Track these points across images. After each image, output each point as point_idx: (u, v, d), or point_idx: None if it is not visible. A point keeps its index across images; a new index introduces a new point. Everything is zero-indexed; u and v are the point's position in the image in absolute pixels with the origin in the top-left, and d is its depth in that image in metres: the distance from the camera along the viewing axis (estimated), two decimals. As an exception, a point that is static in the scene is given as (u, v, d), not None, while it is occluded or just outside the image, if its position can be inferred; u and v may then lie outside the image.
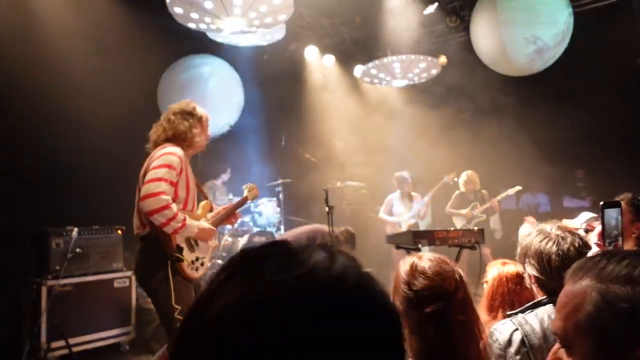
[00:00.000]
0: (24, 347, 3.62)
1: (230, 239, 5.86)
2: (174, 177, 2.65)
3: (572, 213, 1.56)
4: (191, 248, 2.81)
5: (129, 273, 4.34)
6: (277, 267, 0.47)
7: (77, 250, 4.01)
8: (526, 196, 7.72)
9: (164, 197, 2.55)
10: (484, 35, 5.96)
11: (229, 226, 5.68)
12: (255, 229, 6.00)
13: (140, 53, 5.43)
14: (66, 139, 4.75)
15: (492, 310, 1.98)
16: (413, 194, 6.40)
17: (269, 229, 6.12)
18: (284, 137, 6.91)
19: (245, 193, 3.45)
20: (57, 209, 4.47)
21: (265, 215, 6.15)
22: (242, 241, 5.70)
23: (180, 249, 2.73)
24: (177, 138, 2.81)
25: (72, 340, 3.76)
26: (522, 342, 1.40)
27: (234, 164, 6.54)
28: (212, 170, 6.21)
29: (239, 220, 3.72)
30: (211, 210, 3.07)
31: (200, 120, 2.91)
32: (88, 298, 4.04)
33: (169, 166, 2.64)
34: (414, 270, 1.33)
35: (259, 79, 7.14)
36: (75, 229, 4.05)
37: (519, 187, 6.41)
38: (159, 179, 2.58)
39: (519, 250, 1.61)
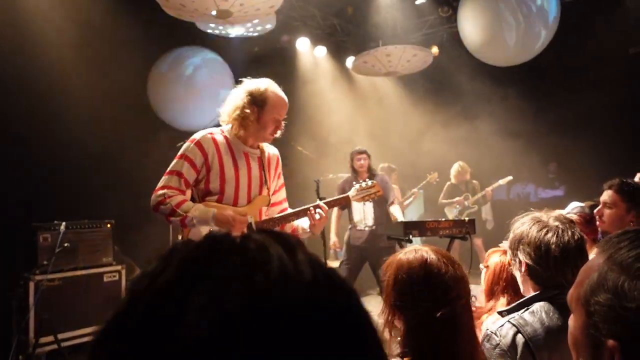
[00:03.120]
0: (12, 342, 3.58)
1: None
2: (184, 168, 2.34)
3: (547, 203, 1.53)
4: None
5: (118, 267, 4.30)
6: (235, 272, 0.38)
7: (66, 244, 3.96)
8: (516, 187, 7.79)
9: (159, 192, 2.32)
10: (472, 23, 5.92)
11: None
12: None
13: (129, 45, 5.35)
14: (53, 133, 4.68)
15: (493, 294, 2.04)
16: (394, 186, 6.43)
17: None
18: (276, 129, 6.85)
19: (353, 193, 2.74)
20: (46, 203, 4.42)
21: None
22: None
23: None
24: (228, 120, 2.47)
25: (60, 336, 3.73)
26: (526, 345, 1.32)
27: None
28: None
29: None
30: (267, 205, 2.57)
31: (263, 106, 2.41)
32: (77, 293, 4.00)
33: (180, 156, 2.39)
34: (427, 271, 1.24)
35: (249, 71, 7.06)
36: (64, 224, 4.00)
37: (510, 177, 6.48)
38: (165, 173, 2.39)
39: (510, 236, 1.56)
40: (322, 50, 7.68)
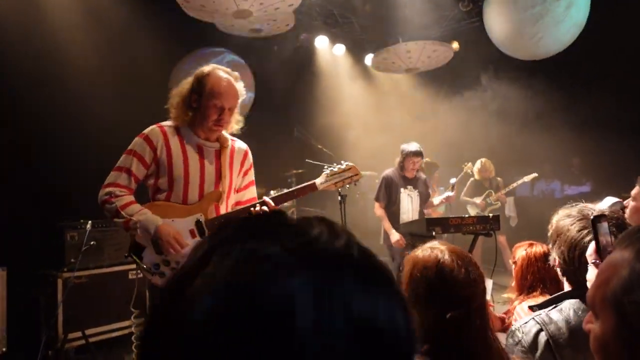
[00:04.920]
0: (41, 338, 3.68)
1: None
2: (133, 164, 2.23)
3: (573, 200, 1.47)
4: (158, 249, 2.21)
5: (143, 265, 4.37)
6: (276, 235, 0.42)
7: (92, 242, 4.04)
8: (540, 183, 7.65)
9: (106, 190, 2.21)
10: (498, 18, 5.82)
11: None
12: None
13: (150, 47, 5.42)
14: (79, 134, 4.77)
15: (523, 289, 2.02)
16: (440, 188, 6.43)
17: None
18: (296, 128, 6.87)
19: (321, 180, 2.42)
20: (72, 202, 4.51)
21: (278, 206, 6.14)
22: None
23: (139, 248, 2.25)
24: (171, 109, 2.34)
25: (88, 331, 3.81)
26: (548, 344, 1.28)
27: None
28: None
29: None
30: (218, 200, 2.35)
31: (202, 92, 2.25)
32: (103, 290, 4.08)
33: (128, 152, 2.27)
34: (440, 271, 1.22)
35: (269, 70, 7.11)
36: (90, 222, 4.08)
37: (535, 174, 6.37)
38: (113, 169, 2.27)
39: (552, 225, 1.49)
40: (341, 48, 7.66)
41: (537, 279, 2.00)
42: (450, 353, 1.19)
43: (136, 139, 2.30)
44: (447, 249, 1.27)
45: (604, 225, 1.08)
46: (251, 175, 2.52)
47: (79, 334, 3.77)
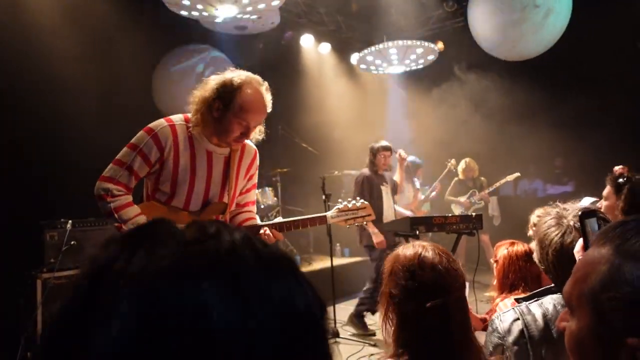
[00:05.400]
0: (20, 339, 3.60)
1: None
2: (136, 163, 2.04)
3: (555, 199, 1.48)
4: None
5: (125, 265, 4.31)
6: (162, 240, 0.43)
7: (72, 242, 3.97)
8: (523, 183, 7.76)
9: (105, 186, 2.03)
10: (482, 19, 5.87)
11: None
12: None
13: (133, 44, 5.35)
14: (59, 132, 4.69)
15: (505, 287, 2.04)
16: (415, 179, 6.39)
17: (265, 219, 6.09)
18: (281, 127, 6.84)
19: (332, 214, 2.32)
20: (52, 201, 4.43)
21: (262, 205, 6.13)
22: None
23: None
24: (193, 113, 2.11)
25: (68, 333, 3.74)
26: (522, 332, 1.32)
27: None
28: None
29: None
30: (223, 213, 2.23)
31: (228, 105, 2.04)
32: (84, 290, 4.01)
33: (133, 147, 2.06)
34: (421, 261, 1.26)
35: (254, 68, 7.05)
36: (70, 222, 4.02)
37: (517, 174, 6.45)
38: (114, 161, 2.08)
39: (531, 227, 1.51)
40: (326, 47, 7.66)
41: (518, 278, 2.02)
42: (431, 348, 1.21)
43: (142, 133, 2.08)
44: (429, 245, 1.32)
45: (592, 222, 1.04)
46: (255, 179, 2.41)
47: (58, 335, 3.70)
